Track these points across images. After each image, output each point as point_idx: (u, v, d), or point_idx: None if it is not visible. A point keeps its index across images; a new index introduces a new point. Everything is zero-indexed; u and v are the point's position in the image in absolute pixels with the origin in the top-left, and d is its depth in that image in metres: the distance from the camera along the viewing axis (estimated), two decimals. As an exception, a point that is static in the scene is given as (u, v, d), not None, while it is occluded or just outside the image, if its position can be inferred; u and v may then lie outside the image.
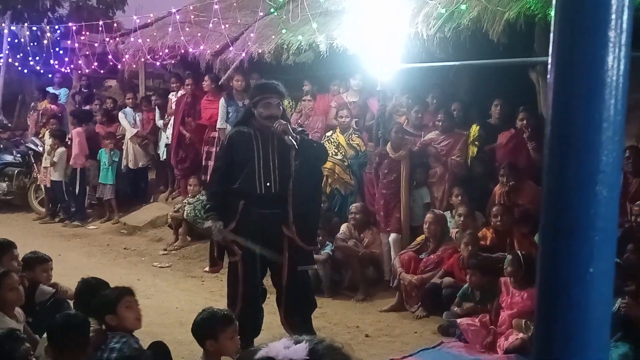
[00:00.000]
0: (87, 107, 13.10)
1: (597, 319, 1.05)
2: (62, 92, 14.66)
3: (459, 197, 7.53)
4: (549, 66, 1.08)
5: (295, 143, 5.61)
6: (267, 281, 6.25)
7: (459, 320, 6.29)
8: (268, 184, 5.71)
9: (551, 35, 1.09)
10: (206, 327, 4.06)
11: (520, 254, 6.24)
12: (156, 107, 11.82)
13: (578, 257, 1.04)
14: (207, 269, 8.70)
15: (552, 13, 1.09)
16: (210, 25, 10.67)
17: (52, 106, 13.75)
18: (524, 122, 7.57)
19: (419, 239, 7.58)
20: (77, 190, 11.41)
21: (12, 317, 4.39)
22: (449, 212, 7.74)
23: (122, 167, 11.63)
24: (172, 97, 11.64)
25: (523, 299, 6.05)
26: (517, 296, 6.10)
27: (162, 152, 11.63)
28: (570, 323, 1.04)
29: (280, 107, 5.81)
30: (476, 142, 8.04)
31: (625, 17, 1.05)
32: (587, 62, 1.04)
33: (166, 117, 11.55)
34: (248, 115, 5.95)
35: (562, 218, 1.05)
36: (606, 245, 1.05)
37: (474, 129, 8.11)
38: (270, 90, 5.83)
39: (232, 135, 5.98)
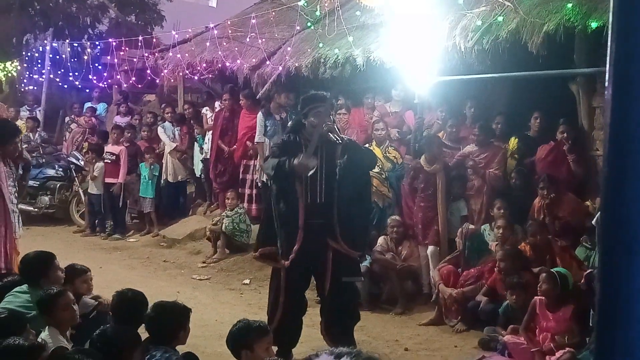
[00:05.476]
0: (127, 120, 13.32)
1: (659, 334, 1.04)
2: (101, 107, 14.90)
3: (501, 210, 7.44)
4: (607, 82, 1.08)
5: (338, 139, 5.78)
6: (307, 293, 6.27)
7: (505, 338, 6.19)
8: (314, 194, 5.77)
9: (608, 50, 1.09)
10: (241, 337, 4.10)
11: (555, 272, 6.12)
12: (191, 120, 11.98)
13: (638, 273, 1.03)
14: (246, 281, 8.80)
15: (609, 27, 1.09)
16: (248, 40, 10.76)
17: (92, 118, 14.00)
18: (564, 134, 7.49)
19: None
20: (120, 204, 11.58)
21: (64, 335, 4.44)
22: (487, 225, 7.68)
23: (162, 180, 11.76)
24: (207, 112, 11.76)
25: (558, 321, 5.95)
26: (552, 320, 5.99)
27: (198, 168, 11.75)
28: (632, 339, 1.03)
29: (331, 117, 5.92)
30: (515, 155, 7.97)
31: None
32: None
33: (197, 132, 11.67)
34: (298, 125, 6.04)
35: (621, 235, 1.05)
36: (666, 261, 1.04)
37: (513, 142, 8.04)
38: (320, 100, 5.98)
39: (285, 139, 6.12)
